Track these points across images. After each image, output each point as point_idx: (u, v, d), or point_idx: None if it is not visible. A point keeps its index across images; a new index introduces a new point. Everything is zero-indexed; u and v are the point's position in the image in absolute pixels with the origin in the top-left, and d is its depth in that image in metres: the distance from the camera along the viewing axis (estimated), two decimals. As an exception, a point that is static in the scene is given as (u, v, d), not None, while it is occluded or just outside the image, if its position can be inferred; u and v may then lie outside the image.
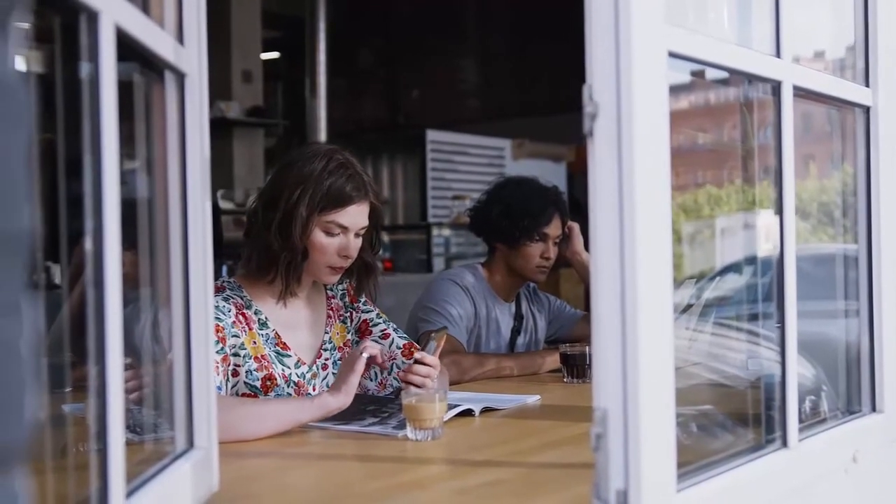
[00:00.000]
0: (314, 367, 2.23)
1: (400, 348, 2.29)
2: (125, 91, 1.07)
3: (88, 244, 0.98)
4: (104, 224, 0.98)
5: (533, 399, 2.30)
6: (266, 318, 2.18)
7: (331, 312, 2.32)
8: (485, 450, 1.80)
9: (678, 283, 1.27)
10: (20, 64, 0.58)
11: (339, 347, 2.30)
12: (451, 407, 1.98)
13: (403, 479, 1.59)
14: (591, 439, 1.16)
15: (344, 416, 2.00)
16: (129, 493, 1.07)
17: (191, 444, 1.35)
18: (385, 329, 2.34)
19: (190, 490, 1.29)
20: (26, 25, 0.60)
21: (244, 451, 1.76)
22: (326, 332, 2.29)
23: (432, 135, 7.85)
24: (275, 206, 2.13)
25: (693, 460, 1.31)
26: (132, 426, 1.29)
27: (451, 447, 1.80)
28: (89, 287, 0.99)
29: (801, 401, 1.54)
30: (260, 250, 2.15)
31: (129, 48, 1.09)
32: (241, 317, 2.13)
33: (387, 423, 1.95)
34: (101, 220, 0.98)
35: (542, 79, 8.88)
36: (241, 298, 2.17)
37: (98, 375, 0.99)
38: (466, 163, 7.97)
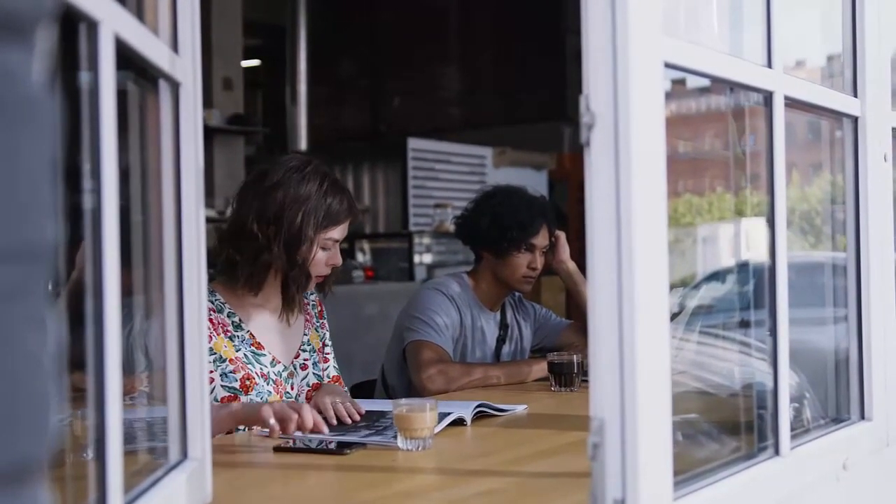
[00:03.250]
0: (291, 367, 2.29)
1: (330, 378, 2.38)
2: (118, 100, 1.07)
3: (88, 254, 0.97)
4: (103, 232, 0.98)
5: (521, 408, 2.30)
6: (240, 320, 2.23)
7: (308, 317, 2.39)
8: (476, 459, 1.79)
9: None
10: (45, 74, 0.58)
11: (318, 350, 2.38)
12: (442, 417, 1.98)
13: (397, 488, 1.58)
14: (588, 448, 1.16)
15: (339, 428, 1.99)
16: (127, 505, 1.06)
17: (185, 454, 1.34)
18: (328, 354, 2.44)
19: (184, 501, 1.28)
20: (51, 35, 0.60)
21: (237, 462, 1.75)
22: (305, 334, 2.36)
23: (414, 143, 7.85)
24: (274, 226, 2.17)
25: (687, 469, 1.31)
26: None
27: (443, 457, 1.79)
28: (86, 295, 0.98)
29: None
30: (261, 268, 2.19)
31: (124, 57, 1.09)
32: (208, 321, 2.14)
33: (384, 433, 1.94)
34: (101, 228, 0.97)
35: (523, 88, 8.92)
36: (212, 302, 2.20)
37: (96, 386, 0.98)
38: (448, 171, 7.97)
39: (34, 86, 0.56)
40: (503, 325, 3.08)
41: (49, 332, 0.55)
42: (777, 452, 1.49)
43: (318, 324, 2.42)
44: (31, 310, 0.54)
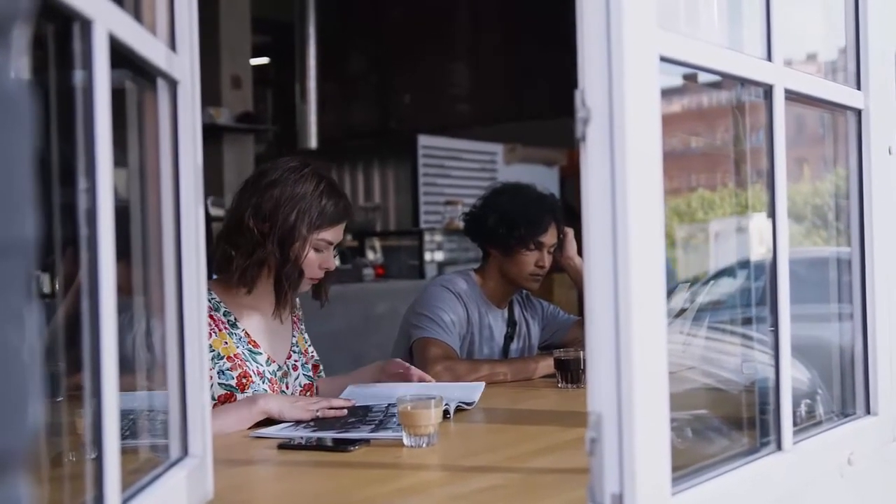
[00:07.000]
0: (284, 367, 2.33)
1: (301, 386, 2.37)
2: (116, 98, 1.07)
3: (83, 253, 0.97)
4: (98, 232, 0.98)
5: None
6: (235, 319, 2.26)
7: (296, 320, 2.44)
8: (480, 455, 1.79)
9: (672, 287, 1.28)
10: (22, 72, 0.58)
11: (304, 352, 2.42)
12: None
13: (400, 485, 1.58)
14: (586, 443, 1.16)
15: (335, 427, 1.98)
16: (125, 502, 1.06)
17: (185, 451, 1.34)
18: (303, 362, 2.42)
19: (185, 498, 1.28)
20: (28, 33, 0.60)
21: (238, 459, 1.76)
22: (293, 336, 2.40)
23: (424, 140, 7.84)
24: (269, 222, 2.20)
25: (688, 464, 1.31)
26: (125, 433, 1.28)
27: (447, 453, 1.80)
28: (83, 295, 0.99)
29: (796, 405, 1.54)
30: (255, 264, 2.22)
31: (121, 55, 1.09)
32: (208, 319, 2.17)
33: (385, 428, 1.94)
34: (96, 227, 0.98)
35: (533, 83, 8.90)
36: (209, 301, 2.22)
37: (93, 384, 0.99)
38: (458, 168, 7.96)
39: (12, 83, 0.57)
40: (511, 323, 3.07)
41: (29, 326, 0.56)
42: (779, 447, 1.48)
43: (302, 328, 2.46)
44: (10, 304, 0.54)
